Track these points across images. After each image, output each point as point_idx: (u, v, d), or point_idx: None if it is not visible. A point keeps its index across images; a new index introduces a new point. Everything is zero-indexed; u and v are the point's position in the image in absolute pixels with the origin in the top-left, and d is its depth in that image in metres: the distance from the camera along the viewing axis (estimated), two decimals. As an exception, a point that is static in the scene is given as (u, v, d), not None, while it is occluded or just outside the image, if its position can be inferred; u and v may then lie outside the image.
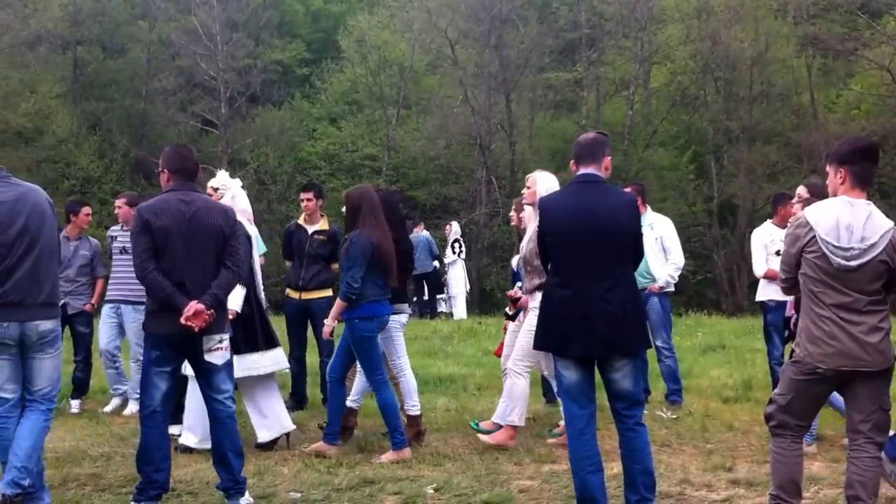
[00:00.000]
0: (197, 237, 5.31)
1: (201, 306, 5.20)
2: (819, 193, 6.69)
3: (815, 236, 4.60)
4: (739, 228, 27.94)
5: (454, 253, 19.19)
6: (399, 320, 7.40)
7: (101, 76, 34.45)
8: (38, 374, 5.14)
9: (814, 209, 4.73)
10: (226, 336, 5.46)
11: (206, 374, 5.42)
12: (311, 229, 8.67)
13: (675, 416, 8.21)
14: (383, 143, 32.44)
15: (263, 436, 7.04)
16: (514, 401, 7.10)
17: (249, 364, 6.83)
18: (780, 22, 30.47)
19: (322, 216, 8.86)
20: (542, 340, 5.18)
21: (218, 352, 5.39)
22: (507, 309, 7.83)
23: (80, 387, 9.21)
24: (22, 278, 5.01)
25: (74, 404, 9.09)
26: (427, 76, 34.50)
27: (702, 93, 30.79)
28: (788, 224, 5.00)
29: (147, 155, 30.35)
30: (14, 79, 29.90)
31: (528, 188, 7.10)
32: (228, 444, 5.40)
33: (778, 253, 7.29)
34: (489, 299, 27.40)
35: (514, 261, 8.51)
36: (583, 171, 5.13)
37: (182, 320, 5.15)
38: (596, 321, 4.86)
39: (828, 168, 4.85)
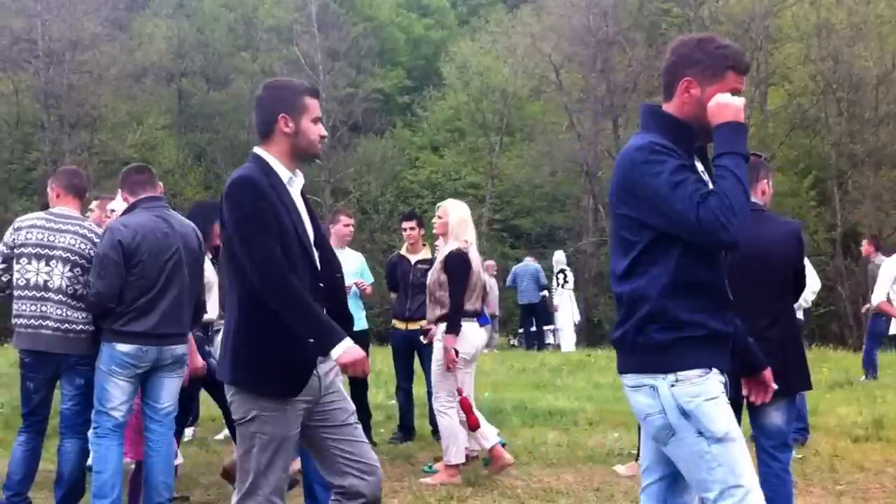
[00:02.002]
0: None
1: None
2: None
3: None
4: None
5: (558, 284, 18.63)
6: None
7: (205, 107, 34.95)
8: (165, 391, 5.26)
9: None
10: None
11: None
12: (413, 259, 8.56)
13: (800, 456, 7.67)
14: (486, 170, 32.00)
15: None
16: (447, 439, 6.90)
17: None
18: (906, 39, 28.98)
19: (424, 245, 8.79)
20: None
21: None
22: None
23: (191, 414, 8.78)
24: (167, 308, 5.17)
25: (188, 431, 8.65)
26: (531, 102, 34.00)
27: (823, 115, 29.38)
28: None
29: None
30: (121, 111, 30.50)
31: (440, 218, 7.00)
32: (317, 476, 5.16)
33: None
34: (597, 331, 26.47)
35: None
36: None
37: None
38: None
39: None
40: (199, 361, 5.70)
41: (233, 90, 34.84)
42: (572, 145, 29.63)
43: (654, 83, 30.45)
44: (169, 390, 5.27)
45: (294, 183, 3.60)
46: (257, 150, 3.61)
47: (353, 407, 3.67)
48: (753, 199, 4.53)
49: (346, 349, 3.36)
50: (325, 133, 3.67)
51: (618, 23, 30.27)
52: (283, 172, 3.56)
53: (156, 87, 33.59)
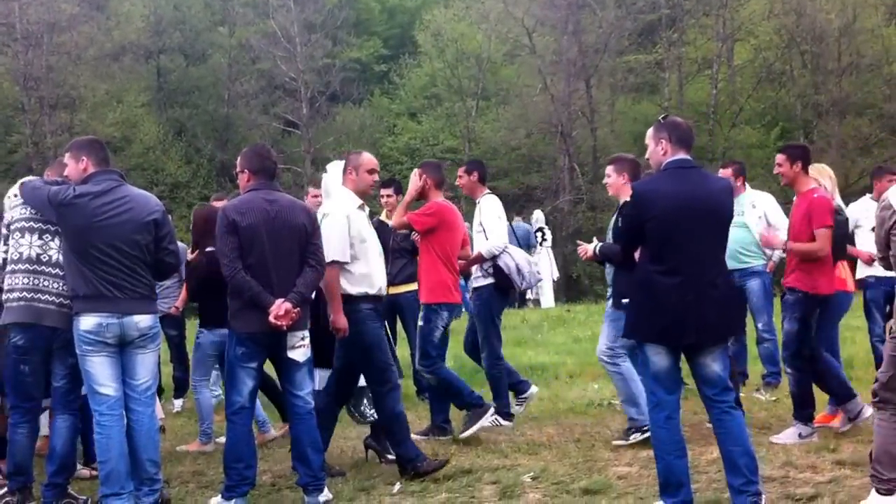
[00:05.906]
0: (281, 235, 5.34)
1: (289, 305, 5.25)
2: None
3: None
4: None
5: (537, 242, 18.95)
6: None
7: (184, 83, 35.21)
8: (140, 367, 5.20)
9: None
10: (307, 333, 5.51)
11: (288, 371, 5.49)
12: (393, 224, 8.62)
13: (773, 399, 8.02)
14: (463, 135, 32.46)
15: None
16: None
17: None
18: (867, -10, 29.44)
19: None
20: (644, 330, 4.90)
21: (300, 349, 5.44)
22: None
23: (181, 386, 9.17)
24: (112, 280, 5.09)
25: (177, 403, 9.10)
26: (505, 66, 34.32)
27: (788, 68, 29.89)
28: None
29: (232, 159, 30.81)
30: (100, 90, 30.69)
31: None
32: (307, 439, 5.44)
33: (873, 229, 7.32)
34: (576, 286, 27.16)
35: None
36: (682, 156, 4.96)
37: (271, 318, 5.20)
38: (708, 308, 4.74)
39: None
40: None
41: (211, 65, 35.15)
42: (546, 107, 29.97)
43: (624, 43, 31.01)
44: (144, 366, 5.21)
45: None
46: None
47: None
48: (687, 157, 4.92)
49: None
50: None
51: (588, -16, 30.65)
52: None
53: (134, 66, 33.69)
